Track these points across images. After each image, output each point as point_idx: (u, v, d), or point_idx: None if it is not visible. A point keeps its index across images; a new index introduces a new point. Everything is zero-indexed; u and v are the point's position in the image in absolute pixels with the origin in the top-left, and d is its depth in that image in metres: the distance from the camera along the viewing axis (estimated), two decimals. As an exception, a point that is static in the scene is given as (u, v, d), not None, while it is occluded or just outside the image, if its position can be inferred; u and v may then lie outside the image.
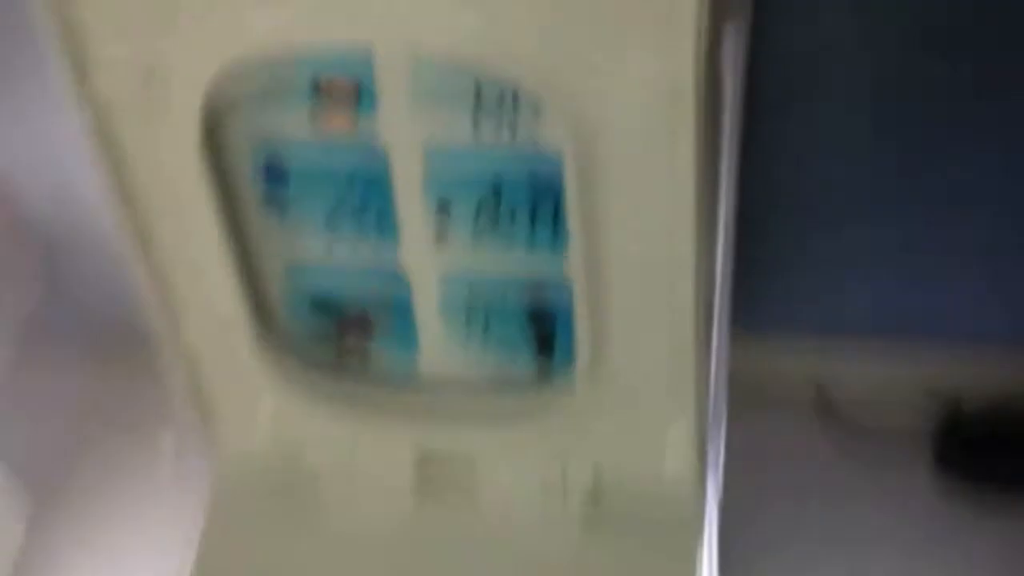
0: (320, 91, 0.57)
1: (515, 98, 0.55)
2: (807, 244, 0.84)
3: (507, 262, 0.62)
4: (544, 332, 0.66)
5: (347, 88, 0.56)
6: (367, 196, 0.61)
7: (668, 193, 0.56)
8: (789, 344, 0.91)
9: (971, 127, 0.75)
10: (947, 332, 0.88)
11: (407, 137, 0.58)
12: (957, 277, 0.84)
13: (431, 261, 0.63)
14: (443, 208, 0.60)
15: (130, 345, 1.01)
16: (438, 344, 0.67)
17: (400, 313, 0.66)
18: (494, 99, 0.55)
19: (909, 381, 0.91)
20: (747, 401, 0.83)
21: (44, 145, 0.92)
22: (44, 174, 0.95)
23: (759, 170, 0.80)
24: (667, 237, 0.58)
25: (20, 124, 0.90)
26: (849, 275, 0.86)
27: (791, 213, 0.82)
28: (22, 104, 0.89)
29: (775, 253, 0.85)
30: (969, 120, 0.75)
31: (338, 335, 0.69)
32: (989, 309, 0.86)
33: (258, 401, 0.72)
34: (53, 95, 0.85)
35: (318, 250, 0.64)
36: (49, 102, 0.87)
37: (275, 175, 0.61)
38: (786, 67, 0.75)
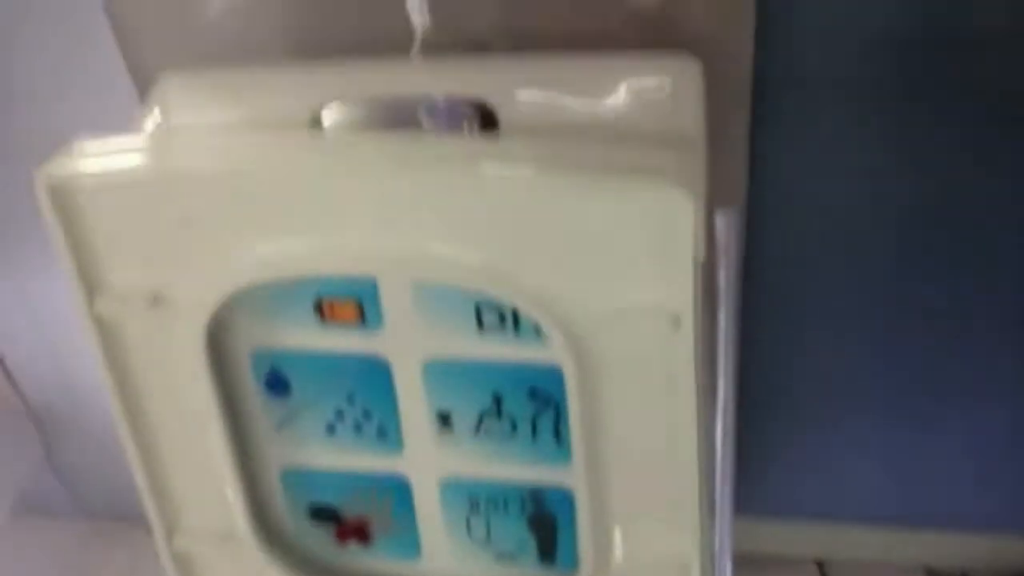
0: (323, 309, 0.58)
1: (516, 317, 0.56)
2: (808, 427, 0.84)
3: (508, 470, 0.62)
4: (546, 537, 0.65)
5: (350, 308, 0.57)
6: (368, 405, 0.61)
7: (669, 406, 0.56)
8: (791, 526, 0.90)
9: (972, 313, 0.76)
10: (948, 515, 0.87)
11: (409, 352, 0.58)
12: (957, 461, 0.84)
13: (432, 469, 0.63)
14: (444, 418, 0.61)
15: (124, 523, 1.00)
16: (440, 549, 0.66)
17: (401, 519, 0.66)
18: (495, 318, 0.56)
19: (911, 564, 0.90)
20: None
21: (42, 321, 0.93)
22: (42, 350, 0.96)
23: (758, 357, 0.81)
24: (669, 446, 0.58)
25: (18, 300, 0.91)
26: (850, 457, 0.85)
27: (791, 398, 0.82)
28: (21, 280, 0.90)
29: (776, 436, 0.85)
30: (970, 304, 0.76)
31: (338, 540, 0.68)
32: (989, 493, 0.85)
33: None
34: (54, 273, 0.87)
35: (318, 457, 0.64)
36: (49, 280, 0.88)
37: (277, 385, 0.61)
38: (783, 248, 0.76)
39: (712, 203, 0.61)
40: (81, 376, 0.97)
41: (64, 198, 0.53)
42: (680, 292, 0.52)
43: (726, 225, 0.72)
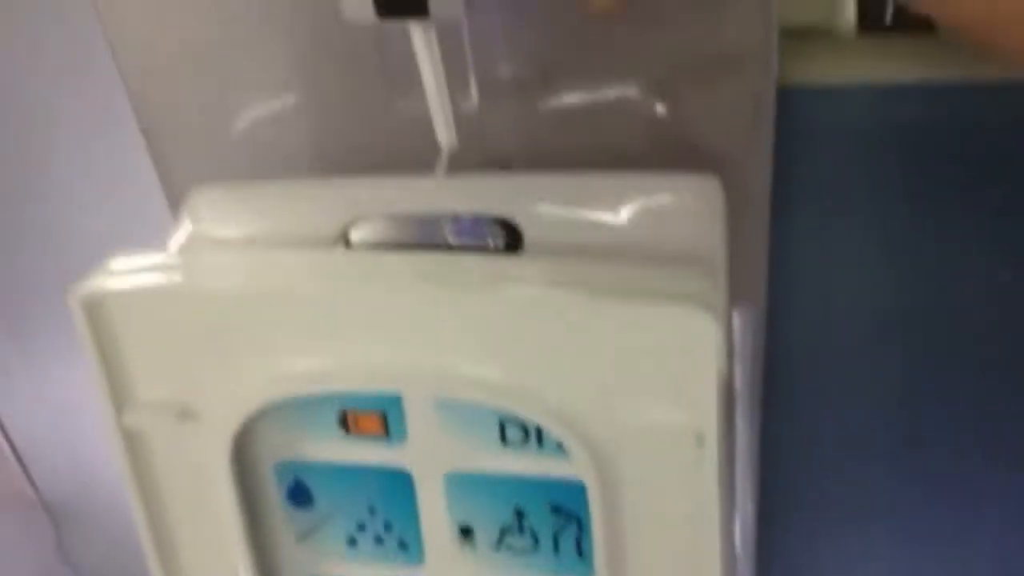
0: (347, 421, 0.58)
1: (539, 432, 0.56)
2: (826, 538, 0.83)
3: (530, 583, 0.62)
4: (567, 651, 0.64)
5: (374, 420, 0.57)
6: (390, 517, 0.61)
7: (692, 521, 0.56)
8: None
9: (1001, 423, 0.76)
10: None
11: (432, 464, 0.59)
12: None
13: (453, 582, 0.63)
14: (466, 531, 0.60)
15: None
16: (458, 663, 0.65)
17: (420, 631, 0.65)
18: (518, 433, 0.56)
19: None
20: None
21: (58, 413, 0.94)
22: (57, 442, 0.96)
23: (774, 463, 0.80)
24: (692, 560, 0.57)
25: (35, 390, 0.92)
26: (870, 572, 0.84)
27: (807, 510, 0.82)
28: (38, 370, 0.90)
29: (793, 545, 0.84)
30: (999, 415, 0.75)
31: (356, 651, 0.67)
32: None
33: None
34: (71, 365, 0.88)
35: (339, 568, 0.64)
36: (67, 372, 0.89)
37: (300, 496, 0.62)
38: (801, 350, 0.76)
39: (731, 310, 0.61)
40: (97, 471, 0.97)
41: (97, 314, 0.54)
42: (704, 411, 0.52)
43: (743, 325, 0.73)
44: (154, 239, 0.62)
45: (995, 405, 0.75)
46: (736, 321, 0.70)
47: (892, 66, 0.70)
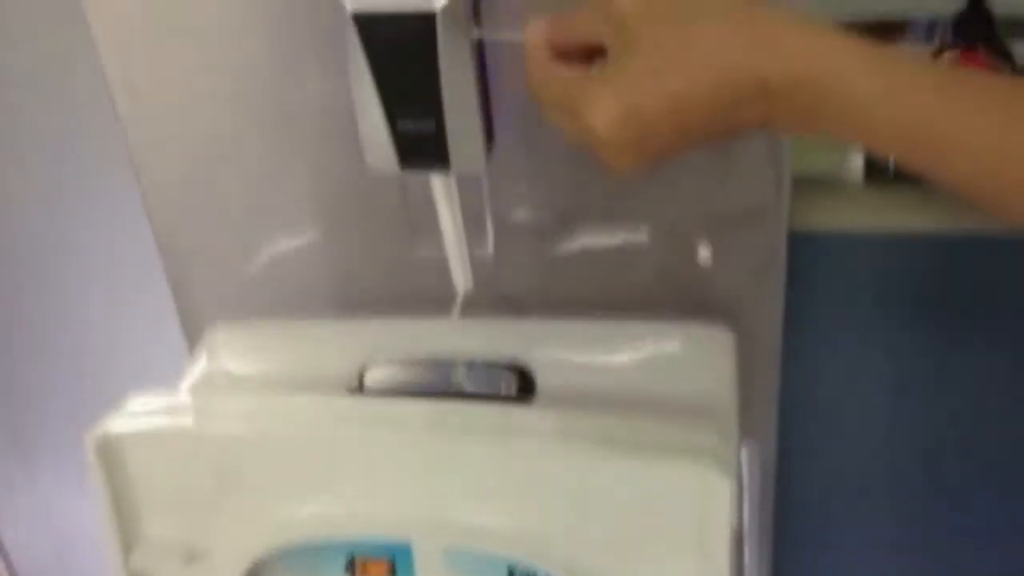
0: (355, 566, 0.57)
1: (548, 581, 0.56)
2: None
3: None
4: None
5: (383, 567, 0.57)
6: (396, 664, 0.60)
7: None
8: None
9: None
10: None
11: (440, 612, 0.58)
12: None
13: None
14: None
15: None
16: None
17: None
18: (528, 581, 0.56)
19: None
20: None
21: (57, 534, 0.93)
22: (55, 564, 0.95)
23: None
24: None
25: (35, 509, 0.91)
26: None
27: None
28: (37, 487, 0.90)
29: None
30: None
31: None
32: None
33: None
34: (72, 481, 0.87)
35: None
36: (68, 488, 0.89)
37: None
38: (811, 492, 0.76)
39: (741, 452, 0.61)
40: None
41: (111, 458, 0.55)
42: (715, 564, 0.51)
43: (753, 463, 0.72)
44: (171, 373, 0.62)
45: (1008, 544, 0.74)
46: (745, 459, 0.69)
47: (899, 214, 0.71)
